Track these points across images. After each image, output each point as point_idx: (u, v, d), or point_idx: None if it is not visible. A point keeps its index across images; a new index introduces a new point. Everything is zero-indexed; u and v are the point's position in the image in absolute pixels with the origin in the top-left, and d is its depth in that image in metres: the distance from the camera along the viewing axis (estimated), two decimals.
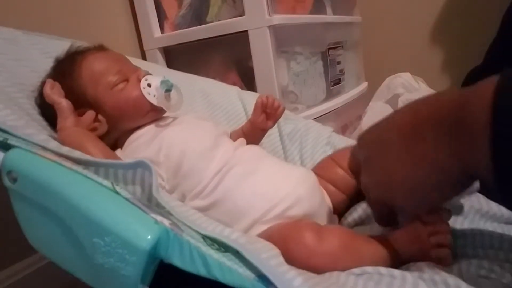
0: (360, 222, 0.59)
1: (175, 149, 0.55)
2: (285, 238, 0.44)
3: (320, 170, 0.62)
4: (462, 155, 0.32)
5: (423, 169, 0.36)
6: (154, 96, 0.59)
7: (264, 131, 0.68)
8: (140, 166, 0.40)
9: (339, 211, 0.60)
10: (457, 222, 0.52)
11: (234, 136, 0.66)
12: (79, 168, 0.41)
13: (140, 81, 0.59)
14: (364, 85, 1.51)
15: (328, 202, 0.58)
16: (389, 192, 0.40)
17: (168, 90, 0.60)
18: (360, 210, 0.59)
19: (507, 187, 0.29)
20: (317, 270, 0.41)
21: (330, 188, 0.60)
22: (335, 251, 0.43)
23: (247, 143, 0.63)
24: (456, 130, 0.32)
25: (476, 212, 0.54)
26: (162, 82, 0.59)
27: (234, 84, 1.10)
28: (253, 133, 0.67)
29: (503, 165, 0.28)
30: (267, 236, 0.45)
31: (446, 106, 0.33)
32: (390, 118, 0.41)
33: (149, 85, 0.59)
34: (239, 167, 0.54)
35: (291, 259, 0.38)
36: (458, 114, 0.32)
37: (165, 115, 0.63)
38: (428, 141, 0.34)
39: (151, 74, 0.62)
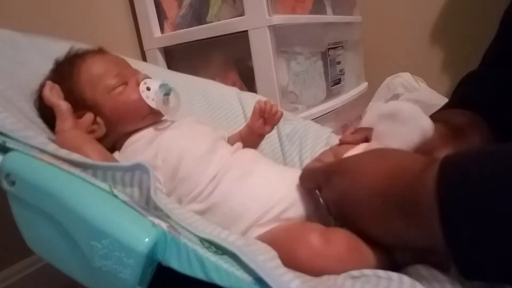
0: None
1: (172, 153, 0.55)
2: (291, 239, 0.44)
3: None
4: (420, 231, 0.35)
5: (405, 241, 0.39)
6: (153, 99, 0.59)
7: (262, 136, 0.68)
8: (138, 168, 0.40)
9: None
10: None
11: (232, 140, 0.65)
12: (77, 171, 0.41)
13: (139, 84, 0.59)
14: (364, 85, 1.51)
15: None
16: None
17: (166, 94, 0.60)
18: None
19: (464, 264, 0.32)
20: (323, 272, 0.40)
21: None
22: (342, 253, 0.42)
23: (245, 147, 0.62)
24: (412, 211, 0.35)
25: None
26: (161, 85, 0.59)
27: (234, 84, 1.10)
28: (251, 138, 0.67)
29: (455, 243, 0.31)
30: (272, 237, 0.46)
31: (405, 186, 0.36)
32: (361, 172, 0.43)
33: (148, 89, 0.59)
34: (235, 171, 0.54)
35: (296, 261, 0.39)
36: (412, 196, 0.35)
37: (163, 118, 0.64)
38: (394, 215, 0.37)
39: (150, 78, 0.62)
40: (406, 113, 0.49)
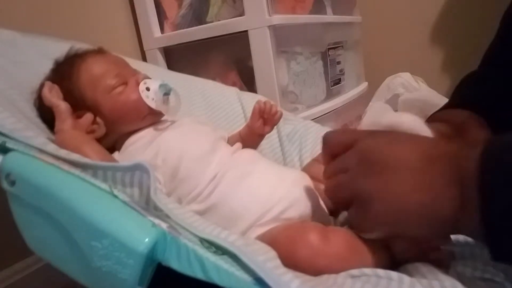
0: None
1: (172, 153, 0.55)
2: (291, 239, 0.44)
3: (310, 170, 0.62)
4: (462, 208, 0.34)
5: (440, 203, 0.36)
6: (153, 99, 0.59)
7: (261, 136, 0.68)
8: (138, 168, 0.40)
9: (332, 210, 0.60)
10: None
11: (232, 141, 0.65)
12: (77, 171, 0.41)
13: (139, 84, 0.59)
14: (364, 85, 1.51)
15: (323, 203, 0.58)
16: (403, 220, 0.39)
17: (166, 94, 0.60)
18: None
19: (497, 243, 0.33)
20: (322, 271, 0.41)
21: (321, 187, 0.60)
22: (341, 252, 0.43)
23: (245, 147, 0.62)
24: (461, 183, 0.34)
25: None
26: (161, 85, 0.59)
27: (234, 84, 1.10)
28: (251, 138, 0.67)
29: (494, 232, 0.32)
30: (272, 237, 0.45)
31: (457, 163, 0.35)
32: (403, 139, 0.41)
33: (148, 89, 0.59)
34: (235, 171, 0.54)
35: (296, 260, 0.39)
36: (460, 172, 0.34)
37: (163, 118, 0.64)
38: (444, 180, 0.36)
39: (150, 78, 0.62)
40: (406, 125, 0.49)
